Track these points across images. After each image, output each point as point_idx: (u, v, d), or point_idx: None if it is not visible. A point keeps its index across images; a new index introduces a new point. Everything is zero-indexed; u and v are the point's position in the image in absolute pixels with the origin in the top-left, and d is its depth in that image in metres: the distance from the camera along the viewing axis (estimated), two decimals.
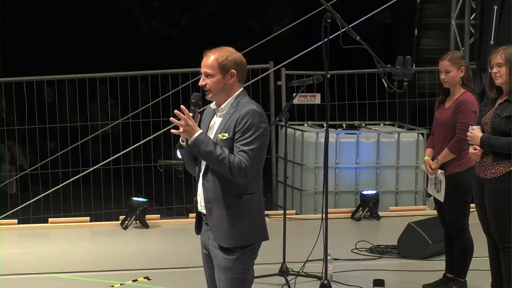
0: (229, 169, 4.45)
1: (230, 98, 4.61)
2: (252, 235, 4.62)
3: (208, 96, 4.63)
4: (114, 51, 16.25)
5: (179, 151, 4.66)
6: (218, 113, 4.66)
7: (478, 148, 6.00)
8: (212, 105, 4.72)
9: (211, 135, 4.62)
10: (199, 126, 4.60)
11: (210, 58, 4.59)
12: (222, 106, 4.63)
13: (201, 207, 4.71)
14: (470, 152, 6.08)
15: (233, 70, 4.59)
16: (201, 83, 4.62)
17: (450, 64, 6.55)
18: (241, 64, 4.64)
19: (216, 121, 4.66)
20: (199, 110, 4.61)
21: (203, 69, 4.62)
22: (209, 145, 4.47)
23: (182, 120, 4.47)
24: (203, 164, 4.62)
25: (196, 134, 4.48)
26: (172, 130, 4.57)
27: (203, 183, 4.63)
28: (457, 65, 6.56)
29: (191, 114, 4.53)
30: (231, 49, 4.66)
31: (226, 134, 4.54)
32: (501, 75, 5.97)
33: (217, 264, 4.64)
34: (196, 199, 4.75)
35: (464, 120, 6.42)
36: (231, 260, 4.57)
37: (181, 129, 4.49)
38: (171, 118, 4.51)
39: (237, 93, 4.63)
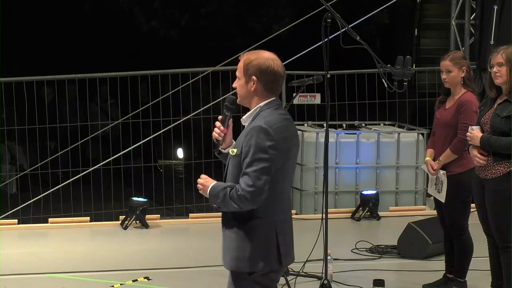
0: (235, 204, 4.22)
1: (254, 109, 4.33)
2: (257, 262, 4.31)
3: (237, 100, 4.39)
4: (114, 51, 16.26)
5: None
6: (244, 124, 4.39)
7: (484, 157, 5.97)
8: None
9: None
10: (234, 135, 4.43)
11: (241, 60, 4.35)
12: (244, 117, 4.37)
13: None
14: (476, 161, 6.05)
15: (253, 77, 4.28)
16: (233, 84, 4.39)
17: (452, 64, 6.54)
18: (266, 72, 4.28)
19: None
20: (230, 114, 4.40)
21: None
22: (213, 198, 4.30)
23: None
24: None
25: (208, 191, 4.33)
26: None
27: None
28: (458, 65, 6.55)
29: (222, 117, 4.37)
30: (262, 54, 4.34)
31: (235, 150, 4.28)
32: (501, 75, 5.97)
33: None
34: None
35: (466, 120, 6.40)
36: (230, 282, 4.38)
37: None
38: (198, 186, 4.38)
39: (262, 103, 4.32)
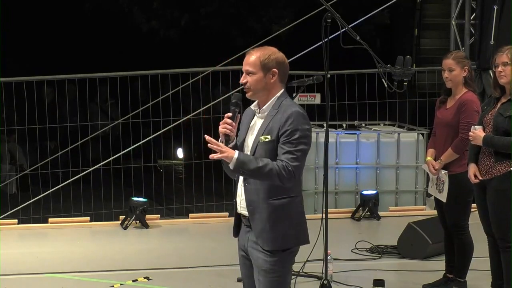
0: (278, 178, 4.42)
1: (272, 99, 4.59)
2: (294, 238, 4.61)
3: (248, 94, 4.61)
4: (114, 51, 16.26)
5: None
6: (259, 114, 4.61)
7: (477, 180, 6.02)
8: (253, 106, 4.68)
9: (252, 136, 4.61)
10: (238, 127, 4.58)
11: (252, 57, 4.58)
12: (264, 107, 4.60)
13: (241, 208, 4.65)
14: (470, 178, 6.11)
15: (274, 69, 4.56)
16: (242, 81, 4.61)
17: (454, 63, 6.54)
18: (283, 64, 4.61)
19: (257, 122, 4.62)
20: (238, 111, 4.59)
21: (244, 67, 4.60)
22: (252, 162, 4.43)
23: (215, 148, 4.43)
24: None
25: (235, 157, 4.42)
26: (210, 156, 4.46)
27: (244, 185, 4.59)
28: (460, 64, 6.55)
29: (230, 114, 4.52)
30: (273, 49, 4.64)
31: (269, 136, 4.50)
32: (506, 75, 5.96)
33: (257, 266, 4.61)
34: (236, 201, 4.70)
35: (467, 120, 6.41)
36: (271, 262, 4.54)
37: (219, 154, 4.43)
38: (209, 145, 4.43)
39: (278, 93, 4.60)
